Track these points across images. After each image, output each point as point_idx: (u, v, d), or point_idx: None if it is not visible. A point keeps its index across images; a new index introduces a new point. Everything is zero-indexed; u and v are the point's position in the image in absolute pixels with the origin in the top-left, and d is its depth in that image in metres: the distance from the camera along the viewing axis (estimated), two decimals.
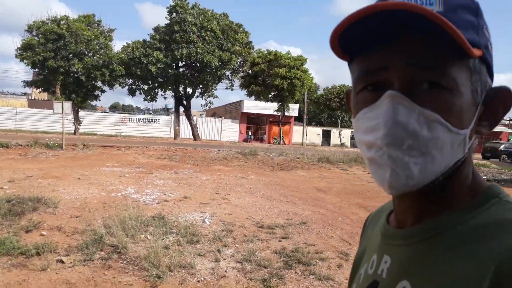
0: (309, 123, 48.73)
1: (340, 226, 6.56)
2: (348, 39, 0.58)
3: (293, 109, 40.54)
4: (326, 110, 45.62)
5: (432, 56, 0.55)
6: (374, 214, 0.88)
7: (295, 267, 4.45)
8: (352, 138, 47.68)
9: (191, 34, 28.94)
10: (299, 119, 45.77)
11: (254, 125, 41.78)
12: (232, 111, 43.39)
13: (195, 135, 33.11)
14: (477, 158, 29.60)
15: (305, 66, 34.96)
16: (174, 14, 30.28)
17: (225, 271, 4.22)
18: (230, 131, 39.81)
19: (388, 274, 0.65)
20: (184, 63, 31.00)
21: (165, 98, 34.74)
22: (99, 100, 36.10)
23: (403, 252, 0.63)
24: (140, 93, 32.74)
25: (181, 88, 32.68)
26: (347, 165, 17.78)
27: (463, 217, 0.59)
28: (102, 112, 48.12)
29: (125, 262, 4.34)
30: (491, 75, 0.62)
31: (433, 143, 0.55)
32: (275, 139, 39.74)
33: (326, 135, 47.51)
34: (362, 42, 0.59)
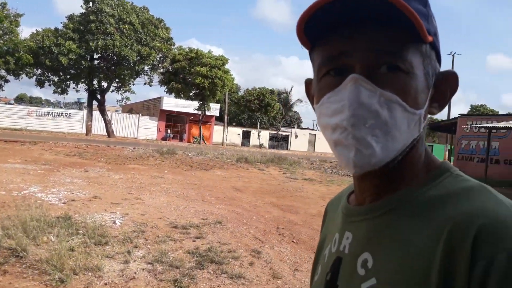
0: (230, 124, 49.03)
1: (254, 225, 6.69)
2: (310, 26, 0.61)
3: (214, 109, 40.49)
4: (246, 111, 46.25)
5: (391, 41, 0.59)
6: (332, 200, 0.92)
7: (208, 267, 4.45)
8: (271, 139, 48.96)
9: (108, 25, 27.59)
10: (220, 119, 45.84)
11: (174, 123, 40.99)
12: (150, 108, 42.13)
13: (109, 132, 31.61)
14: None
15: (227, 66, 35.12)
16: (91, 3, 28.65)
17: (135, 273, 4.10)
18: (147, 128, 38.63)
19: (350, 249, 0.68)
20: (99, 55, 29.45)
21: (77, 91, 32.64)
22: (2, 90, 32.97)
23: (363, 226, 0.67)
24: (50, 85, 30.52)
25: (95, 82, 30.99)
26: (264, 165, 18.20)
27: (419, 190, 0.63)
28: (6, 104, 43.97)
29: (24, 266, 4.02)
30: (439, 61, 0.67)
31: (393, 123, 0.58)
32: (195, 138, 39.38)
33: (246, 136, 48.16)
34: (324, 29, 0.61)
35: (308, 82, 0.76)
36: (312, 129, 62.67)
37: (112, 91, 32.39)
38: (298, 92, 54.73)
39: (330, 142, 0.63)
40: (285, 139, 51.08)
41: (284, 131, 52.04)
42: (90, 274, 3.95)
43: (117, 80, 31.12)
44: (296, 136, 51.22)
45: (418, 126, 0.63)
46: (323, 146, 52.44)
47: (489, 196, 0.57)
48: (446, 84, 0.67)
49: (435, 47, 0.65)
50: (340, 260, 0.69)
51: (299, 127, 59.36)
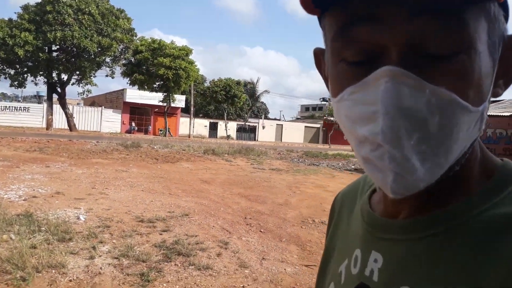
0: (196, 115, 48.63)
1: (221, 216, 6.72)
2: None
3: (180, 100, 40.01)
4: (213, 102, 45.98)
5: (446, 3, 0.39)
6: (345, 192, 0.73)
7: (175, 259, 4.45)
8: (238, 130, 48.99)
9: (66, 16, 26.66)
10: (186, 110, 45.37)
11: (138, 115, 40.24)
12: (113, 100, 41.13)
13: (71, 126, 30.71)
14: (347, 149, 32.54)
15: (191, 57, 34.71)
16: None
17: (100, 268, 4.05)
18: (111, 121, 37.77)
19: (381, 277, 0.51)
20: (58, 47, 28.45)
21: (36, 84, 31.40)
22: None
23: (401, 249, 0.50)
24: (6, 78, 29.24)
25: (54, 74, 29.98)
26: (232, 156, 18.22)
27: (480, 205, 0.46)
28: None
29: None
30: (507, 19, 0.46)
31: (448, 131, 0.41)
32: (160, 130, 38.84)
33: (213, 127, 47.95)
34: None
35: (318, 53, 0.56)
36: (279, 120, 63.22)
37: (73, 83, 31.46)
38: (264, 83, 54.99)
39: (356, 152, 0.47)
40: (253, 130, 51.23)
41: (252, 122, 52.17)
42: (53, 271, 3.87)
43: (77, 72, 30.22)
44: (263, 127, 51.46)
45: (480, 123, 0.45)
46: (290, 136, 53.01)
47: None
48: None
49: (504, 3, 0.44)
50: None
51: (266, 117, 59.65)
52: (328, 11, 0.45)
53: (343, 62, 0.45)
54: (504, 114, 16.43)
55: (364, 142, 0.44)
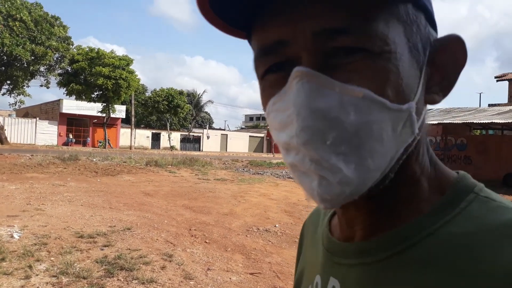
0: (138, 126, 47.49)
1: (165, 229, 6.65)
2: (224, 6, 0.45)
3: (120, 111, 38.93)
4: (155, 112, 45.18)
5: (348, 10, 0.41)
6: (310, 219, 0.70)
7: (118, 274, 4.36)
8: (182, 140, 48.41)
9: None
10: (126, 121, 44.19)
11: (76, 127, 38.60)
12: (49, 111, 39.16)
13: (2, 138, 28.82)
14: None
15: (131, 67, 33.96)
16: None
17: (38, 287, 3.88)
18: (47, 133, 35.92)
19: None
20: None
21: None
22: None
23: (356, 274, 0.48)
24: None
25: None
26: (176, 167, 18.00)
27: (434, 223, 0.44)
28: None
29: None
30: (433, 25, 0.47)
31: (367, 130, 0.40)
32: (100, 142, 37.49)
33: (156, 138, 47.04)
34: (245, 8, 0.45)
35: None
36: (224, 130, 63.32)
37: (4, 94, 29.63)
38: (207, 93, 54.87)
39: (287, 165, 0.46)
40: (197, 140, 50.90)
41: (196, 132, 51.84)
42: None
43: (8, 82, 28.50)
44: (208, 137, 51.29)
45: (410, 126, 0.44)
46: (235, 146, 53.22)
47: None
48: (447, 56, 0.47)
49: (421, 5, 0.45)
50: None
51: (210, 127, 59.57)
52: (253, 34, 0.47)
53: (265, 78, 0.47)
54: (432, 122, 17.66)
55: (288, 149, 0.44)
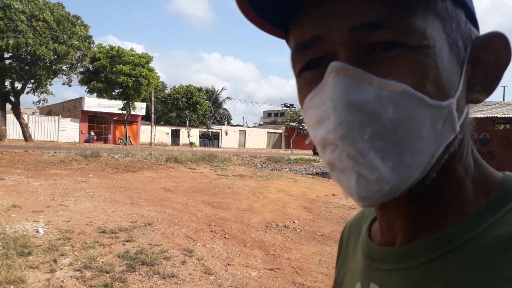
0: (158, 123, 48.03)
1: (185, 224, 6.72)
2: (268, 4, 0.46)
3: (140, 108, 39.40)
4: (174, 109, 45.60)
5: (383, 6, 0.40)
6: (353, 221, 0.69)
7: (139, 269, 4.44)
8: (201, 137, 48.74)
9: (18, 22, 25.68)
10: (146, 118, 44.73)
11: (97, 124, 39.24)
12: (71, 109, 39.93)
13: (27, 136, 29.52)
14: (309, 154, 33.11)
15: (151, 64, 34.30)
16: None
17: (62, 281, 3.98)
18: (69, 131, 36.64)
19: None
20: (10, 54, 27.33)
21: None
22: None
23: (398, 279, 0.47)
24: None
25: (7, 83, 28.75)
26: (195, 164, 18.15)
27: (479, 226, 0.43)
28: None
29: None
30: (474, 22, 0.47)
31: (406, 126, 0.40)
32: (120, 139, 38.04)
33: (175, 135, 47.48)
34: (285, 6, 0.46)
35: None
36: (242, 126, 63.42)
37: (28, 92, 30.31)
38: (226, 90, 55.08)
39: (325, 164, 0.46)
40: (216, 136, 51.16)
41: (215, 128, 52.09)
42: (12, 287, 3.77)
43: (32, 80, 29.15)
44: (226, 133, 51.49)
45: (451, 123, 0.43)
46: (253, 142, 53.29)
47: None
48: (489, 54, 0.46)
49: (460, 2, 0.45)
50: None
51: (229, 124, 59.77)
52: (290, 33, 0.48)
53: (302, 75, 0.47)
54: None
55: (325, 146, 0.44)
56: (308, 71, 0.47)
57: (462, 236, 0.43)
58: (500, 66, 0.46)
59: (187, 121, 45.92)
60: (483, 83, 0.46)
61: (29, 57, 27.35)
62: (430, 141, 0.41)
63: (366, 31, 0.41)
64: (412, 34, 0.40)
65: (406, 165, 0.40)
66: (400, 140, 0.40)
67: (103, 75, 32.54)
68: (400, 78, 0.40)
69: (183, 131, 47.13)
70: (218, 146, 48.52)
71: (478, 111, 18.29)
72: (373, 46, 0.41)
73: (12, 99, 29.35)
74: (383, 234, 0.53)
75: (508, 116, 16.11)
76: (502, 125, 23.08)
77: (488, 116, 16.67)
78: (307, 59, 0.46)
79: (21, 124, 29.56)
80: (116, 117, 38.88)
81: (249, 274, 4.60)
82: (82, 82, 33.32)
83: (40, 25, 26.59)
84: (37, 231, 5.67)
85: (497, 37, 0.46)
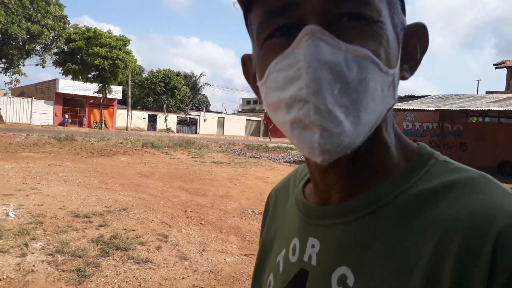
0: (134, 107, 47.23)
1: (161, 210, 6.68)
2: None
3: (116, 92, 38.66)
4: (152, 94, 44.91)
5: None
6: (279, 187, 0.76)
7: (113, 254, 4.39)
8: (179, 123, 48.27)
9: None
10: (123, 102, 43.92)
11: (72, 107, 38.34)
12: (44, 91, 38.82)
13: None
14: (287, 142, 33.25)
15: (128, 47, 33.57)
16: None
17: (33, 265, 3.91)
18: (42, 113, 35.68)
19: (320, 261, 0.54)
20: None
21: None
22: None
23: (336, 233, 0.53)
24: None
25: None
26: (172, 149, 18.00)
27: (402, 185, 0.51)
28: None
29: None
30: (404, 12, 0.54)
31: (365, 86, 0.45)
32: (96, 123, 37.31)
33: (152, 120, 46.87)
34: None
35: (245, 59, 0.61)
36: (221, 113, 63.09)
37: None
38: (205, 75, 54.48)
39: (285, 125, 0.49)
40: (194, 122, 50.76)
41: (193, 114, 51.65)
42: None
43: (3, 60, 28.17)
44: (204, 120, 51.15)
45: (393, 90, 0.50)
46: (231, 130, 53.15)
47: (498, 189, 0.46)
48: (415, 41, 0.54)
49: None
50: (306, 273, 0.56)
51: (207, 110, 59.30)
52: (253, 5, 0.51)
53: (268, 42, 0.50)
54: (429, 108, 17.63)
55: (291, 105, 0.46)
56: (272, 38, 0.49)
57: (390, 194, 0.51)
58: (422, 52, 0.55)
59: (165, 106, 45.34)
60: (409, 64, 0.54)
61: (0, 36, 26.37)
62: (379, 102, 0.47)
63: (335, 2, 0.46)
64: (373, 9, 0.47)
65: (362, 121, 0.45)
66: (360, 99, 0.45)
67: (78, 56, 31.65)
68: (362, 44, 0.45)
69: (160, 116, 46.55)
70: (196, 133, 48.17)
71: (452, 104, 18.70)
72: (340, 16, 0.46)
73: None
74: (319, 195, 0.58)
75: (481, 109, 16.52)
76: (475, 118, 23.71)
77: (462, 108, 17.05)
78: (276, 25, 0.48)
79: None
80: (92, 101, 38.04)
81: (224, 259, 4.62)
82: (57, 63, 32.32)
83: (12, 3, 25.60)
84: (8, 215, 5.53)
85: (421, 27, 0.55)
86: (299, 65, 0.44)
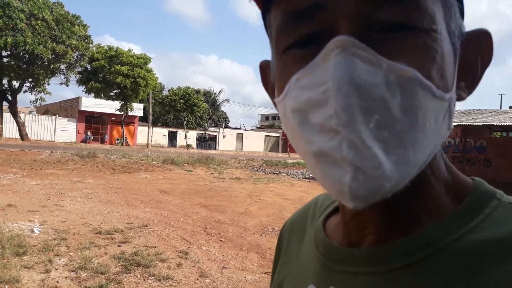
0: (155, 124, 47.95)
1: (181, 226, 6.71)
2: None
3: (138, 109, 39.38)
4: (172, 111, 45.58)
5: None
6: (295, 218, 0.64)
7: (134, 270, 4.42)
8: (198, 139, 48.69)
9: (18, 21, 25.63)
10: (144, 119, 44.67)
11: (94, 124, 39.19)
12: (68, 108, 39.85)
13: (23, 135, 29.44)
14: None
15: (149, 65, 34.31)
16: None
17: (57, 282, 3.96)
18: (66, 130, 36.55)
19: None
20: (9, 52, 27.27)
21: None
22: None
23: (366, 283, 0.43)
24: None
25: (5, 81, 28.71)
26: (192, 166, 18.13)
27: (457, 229, 0.40)
28: None
29: None
30: (462, 16, 0.43)
31: (412, 116, 0.35)
32: (117, 140, 37.96)
33: (172, 137, 47.44)
34: None
35: (264, 66, 0.52)
36: (240, 129, 63.44)
37: (25, 91, 30.29)
38: (223, 92, 55.09)
39: (307, 156, 0.40)
40: (213, 139, 51.14)
41: (212, 131, 52.08)
42: (6, 286, 3.75)
43: (29, 79, 29.10)
44: (224, 136, 51.48)
45: (448, 119, 0.40)
46: (250, 146, 53.30)
47: None
48: (475, 52, 0.42)
49: None
50: None
51: (226, 126, 59.76)
52: (272, 5, 0.42)
53: (289, 52, 0.40)
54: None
55: (321, 132, 0.37)
56: (294, 49, 0.40)
57: (441, 240, 0.40)
58: (483, 66, 0.43)
59: (185, 123, 45.88)
60: (465, 80, 0.43)
61: (27, 56, 27.30)
62: (431, 135, 0.37)
63: (376, 4, 0.36)
64: (424, 15, 0.36)
65: (408, 161, 0.36)
66: (406, 133, 0.35)
67: (101, 75, 32.49)
68: (409, 62, 0.35)
69: (180, 133, 47.08)
70: (215, 149, 48.47)
71: (475, 119, 18.37)
72: (381, 24, 0.36)
73: (9, 97, 29.29)
74: (348, 234, 0.47)
75: (505, 124, 16.17)
76: (499, 133, 23.21)
77: (485, 123, 16.73)
78: (299, 34, 0.39)
79: (17, 123, 29.47)
80: (114, 118, 38.82)
81: (245, 277, 4.60)
82: (80, 82, 33.26)
83: (39, 24, 26.55)
84: (32, 231, 5.64)
85: (485, 35, 0.42)
86: (326, 86, 0.35)
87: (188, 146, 43.57)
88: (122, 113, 35.41)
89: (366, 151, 0.34)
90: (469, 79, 0.43)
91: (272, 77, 0.47)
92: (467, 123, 17.17)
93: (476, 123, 17.04)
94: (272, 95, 0.49)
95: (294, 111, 0.39)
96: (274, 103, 0.47)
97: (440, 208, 0.43)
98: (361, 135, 0.34)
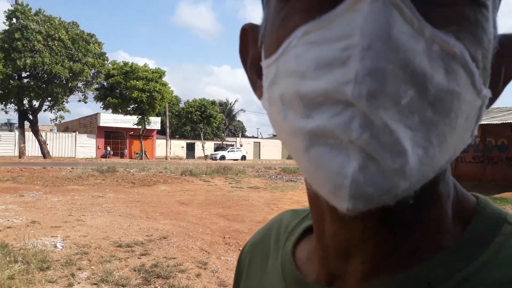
0: (173, 136, 48.48)
1: (200, 237, 6.77)
2: None
3: (155, 122, 39.90)
4: (189, 123, 46.04)
5: None
6: (255, 241, 0.55)
7: (154, 282, 4.49)
8: (216, 149, 48.99)
9: (35, 42, 26.41)
10: (161, 132, 45.19)
11: (113, 139, 39.84)
12: (87, 125, 40.65)
13: (45, 153, 30.14)
14: None
15: (164, 79, 34.82)
16: (14, 20, 27.33)
17: None
18: (86, 146, 37.26)
19: None
20: (28, 73, 28.08)
21: (6, 112, 30.79)
22: None
23: None
24: None
25: (25, 101, 29.53)
26: (210, 176, 18.25)
27: (466, 264, 0.32)
28: None
29: None
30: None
31: (448, 104, 0.27)
32: (136, 153, 38.48)
33: (190, 148, 47.85)
34: None
35: (247, 30, 0.40)
36: (257, 137, 63.50)
37: (45, 110, 31.06)
38: (238, 102, 55.42)
39: (296, 136, 0.30)
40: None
41: (229, 140, 52.32)
42: None
43: (49, 98, 29.86)
44: (241, 145, 51.63)
45: (475, 122, 0.31)
46: (267, 154, 53.29)
47: None
48: (499, 60, 0.32)
49: None
50: None
51: (243, 136, 59.94)
52: None
53: (293, 2, 0.31)
54: None
55: (319, 105, 0.27)
56: None
57: (449, 279, 0.31)
58: (507, 77, 0.34)
59: (202, 134, 46.23)
60: (490, 88, 0.32)
61: (45, 76, 28.05)
62: (457, 137, 0.29)
63: None
64: None
65: (431, 160, 0.27)
66: (435, 123, 0.27)
67: (117, 91, 33.11)
68: (457, 35, 0.27)
69: (198, 144, 47.45)
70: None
71: (494, 117, 18.01)
72: None
73: (30, 117, 30.08)
74: (326, 264, 0.37)
75: None
76: None
77: (505, 122, 16.39)
78: None
79: (39, 141, 30.21)
80: (132, 132, 39.41)
81: None
82: (98, 98, 33.96)
83: (56, 44, 27.30)
84: (55, 246, 5.79)
85: None
86: (349, 41, 0.26)
87: (206, 156, 43.84)
88: (140, 127, 35.93)
89: (386, 135, 0.25)
90: (493, 88, 0.33)
91: (260, 39, 0.37)
92: (486, 122, 16.84)
93: (495, 122, 16.71)
94: (251, 66, 0.40)
95: (291, 75, 0.29)
96: (251, 77, 0.39)
97: (444, 232, 0.34)
98: (385, 114, 0.25)
